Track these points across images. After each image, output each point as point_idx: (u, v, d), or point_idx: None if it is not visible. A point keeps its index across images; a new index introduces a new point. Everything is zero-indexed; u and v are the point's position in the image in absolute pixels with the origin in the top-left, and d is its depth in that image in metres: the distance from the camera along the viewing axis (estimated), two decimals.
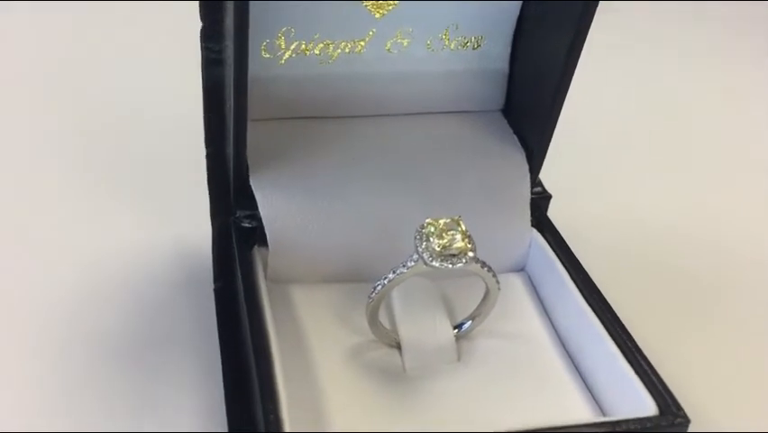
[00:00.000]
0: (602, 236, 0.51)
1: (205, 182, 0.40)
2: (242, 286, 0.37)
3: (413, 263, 0.36)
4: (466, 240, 0.36)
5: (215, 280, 0.44)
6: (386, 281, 0.37)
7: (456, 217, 0.36)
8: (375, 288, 0.37)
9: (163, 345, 0.42)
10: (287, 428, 0.30)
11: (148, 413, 0.38)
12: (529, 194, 0.44)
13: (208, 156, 0.40)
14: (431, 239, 0.36)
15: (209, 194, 0.41)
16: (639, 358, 0.37)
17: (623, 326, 0.38)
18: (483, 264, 0.37)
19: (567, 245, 0.43)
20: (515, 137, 0.45)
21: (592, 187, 0.58)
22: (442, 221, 0.36)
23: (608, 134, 0.65)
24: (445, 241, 0.35)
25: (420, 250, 0.36)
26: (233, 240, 0.39)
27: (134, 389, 0.40)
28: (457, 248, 0.35)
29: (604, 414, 0.36)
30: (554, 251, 0.42)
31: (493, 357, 0.39)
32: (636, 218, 0.56)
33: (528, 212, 0.44)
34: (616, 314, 0.39)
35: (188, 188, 0.47)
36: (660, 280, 0.51)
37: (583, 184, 0.57)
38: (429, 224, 0.36)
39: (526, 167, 0.44)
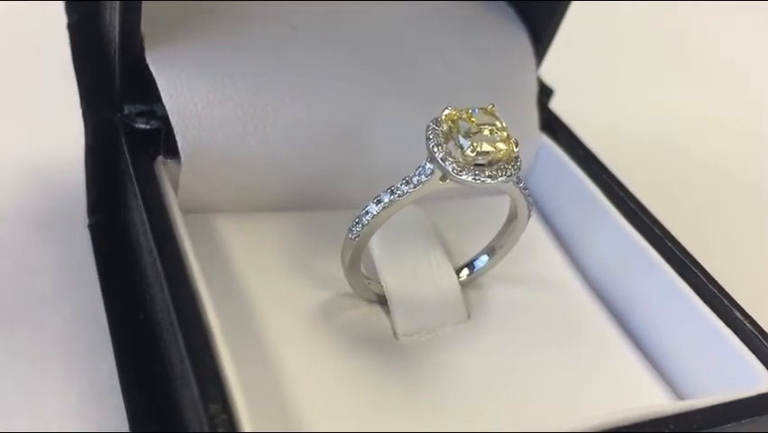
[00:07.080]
0: (621, 145, 0.41)
1: (71, 67, 0.32)
2: (147, 219, 0.27)
3: (425, 178, 0.25)
4: (512, 141, 0.24)
5: (91, 212, 0.36)
6: (378, 208, 0.26)
7: (489, 107, 0.25)
8: (360, 219, 0.26)
9: (17, 310, 0.33)
10: (246, 427, 0.22)
11: None
12: (536, 86, 0.35)
13: (72, 27, 0.32)
14: (459, 139, 0.24)
15: (78, 83, 0.32)
16: (732, 307, 0.28)
17: (698, 263, 0.29)
18: (519, 179, 0.26)
19: (595, 155, 0.33)
20: (512, 11, 0.36)
21: (597, 84, 0.51)
22: (471, 112, 0.24)
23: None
24: (481, 142, 0.24)
25: (439, 156, 0.24)
26: (124, 149, 0.30)
27: None
28: (493, 153, 0.24)
29: (676, 391, 0.28)
30: (578, 163, 0.33)
31: (514, 313, 0.30)
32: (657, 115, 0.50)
33: (536, 110, 0.35)
34: (685, 248, 0.30)
35: (48, 76, 0.39)
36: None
37: (585, 80, 0.49)
38: (449, 116, 0.24)
39: (531, 50, 0.35)
